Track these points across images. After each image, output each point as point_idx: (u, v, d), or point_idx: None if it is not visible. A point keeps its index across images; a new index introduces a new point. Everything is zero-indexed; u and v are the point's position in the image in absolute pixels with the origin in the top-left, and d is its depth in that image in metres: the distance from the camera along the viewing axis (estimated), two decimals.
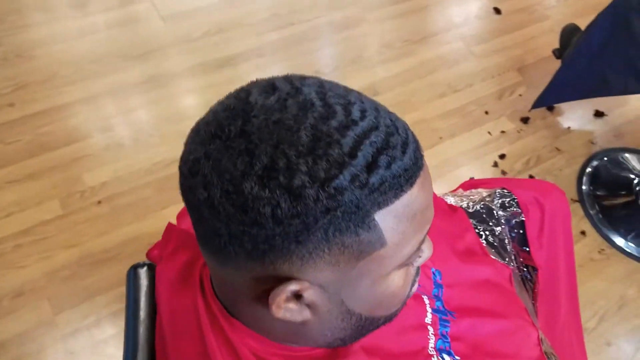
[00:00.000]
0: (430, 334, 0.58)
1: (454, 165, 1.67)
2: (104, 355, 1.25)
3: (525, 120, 1.79)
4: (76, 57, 1.84)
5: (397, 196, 0.38)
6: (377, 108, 0.40)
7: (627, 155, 1.73)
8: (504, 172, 1.65)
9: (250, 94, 0.39)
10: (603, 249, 1.50)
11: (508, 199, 0.88)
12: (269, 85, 0.40)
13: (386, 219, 0.38)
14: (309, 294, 0.41)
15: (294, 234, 0.36)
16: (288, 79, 0.40)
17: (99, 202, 1.51)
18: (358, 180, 0.36)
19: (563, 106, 1.82)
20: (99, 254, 1.41)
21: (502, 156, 1.69)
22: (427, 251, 0.48)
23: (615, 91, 1.44)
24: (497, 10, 2.17)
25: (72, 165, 1.58)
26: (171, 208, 1.49)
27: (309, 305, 0.42)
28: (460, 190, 0.95)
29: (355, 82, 1.87)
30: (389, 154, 0.37)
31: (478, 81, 1.92)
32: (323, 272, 0.39)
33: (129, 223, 1.47)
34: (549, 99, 1.66)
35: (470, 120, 1.79)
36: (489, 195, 0.88)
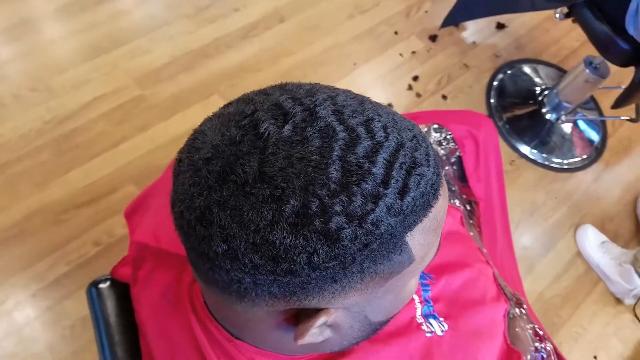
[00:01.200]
0: (416, 303, 0.58)
1: (372, 93, 1.65)
2: (29, 340, 1.15)
3: (433, 38, 1.79)
4: None
5: (425, 213, 0.36)
6: (395, 118, 0.37)
7: (527, 66, 1.81)
8: (418, 95, 1.66)
9: (258, 123, 0.33)
10: (513, 160, 1.61)
11: (443, 135, 0.88)
12: (276, 108, 0.34)
13: (415, 237, 0.36)
14: (332, 318, 0.38)
15: (330, 276, 0.34)
16: (294, 96, 0.35)
17: None
18: (393, 209, 0.33)
19: (466, 24, 1.84)
20: (2, 231, 1.25)
21: (415, 78, 1.70)
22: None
23: (523, 8, 1.47)
24: None
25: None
26: (75, 172, 1.34)
27: (331, 326, 0.40)
28: None
29: (257, 8, 1.74)
30: (418, 173, 0.35)
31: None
32: (351, 299, 0.37)
33: (30, 193, 1.31)
34: (458, 17, 1.66)
35: (382, 42, 1.76)
36: (426, 133, 0.88)
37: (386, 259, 0.35)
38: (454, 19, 1.66)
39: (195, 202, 0.33)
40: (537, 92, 1.74)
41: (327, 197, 0.32)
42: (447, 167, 0.84)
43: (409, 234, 0.35)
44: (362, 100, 0.37)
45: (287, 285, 0.34)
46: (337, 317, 0.38)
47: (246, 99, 0.36)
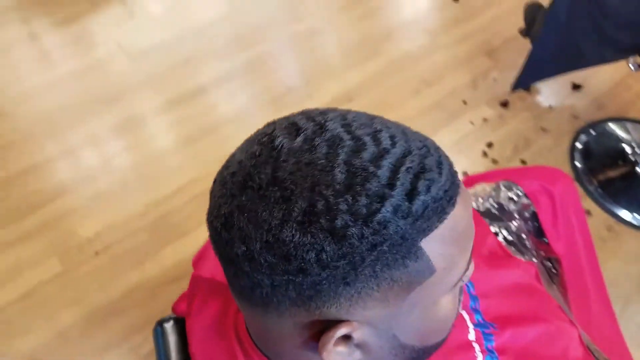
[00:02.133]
0: (477, 352, 0.56)
1: None
2: None
3: (504, 104, 1.80)
4: (49, 111, 1.82)
5: (440, 220, 0.36)
6: (405, 131, 0.39)
7: (612, 124, 1.73)
8: (494, 161, 1.66)
9: (275, 138, 0.37)
10: (611, 226, 1.49)
11: (515, 191, 0.86)
12: (291, 126, 0.38)
13: (432, 245, 0.36)
14: (359, 335, 0.39)
15: (342, 276, 0.35)
16: (309, 115, 0.39)
17: (97, 253, 1.49)
18: (400, 210, 0.35)
19: (539, 84, 1.84)
20: (104, 308, 1.39)
21: (489, 145, 1.70)
22: (471, 268, 0.45)
23: (593, 62, 1.44)
24: None
25: (64, 220, 1.56)
26: (167, 249, 1.48)
27: (359, 345, 0.40)
28: None
29: (328, 92, 1.87)
30: (427, 177, 0.36)
31: (449, 72, 1.93)
32: (373, 310, 0.37)
33: (129, 271, 1.46)
34: (528, 79, 1.66)
35: (451, 112, 1.80)
36: (494, 190, 0.86)
37: (401, 264, 0.36)
38: (524, 82, 1.66)
39: (221, 210, 0.37)
40: (629, 151, 1.65)
41: (332, 197, 0.34)
42: (518, 222, 0.82)
43: (424, 240, 0.36)
44: (373, 117, 0.39)
45: (302, 287, 0.35)
46: (363, 335, 0.39)
47: (270, 123, 0.41)
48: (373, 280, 0.36)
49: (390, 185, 0.35)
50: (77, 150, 1.73)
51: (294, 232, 0.34)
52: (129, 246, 1.51)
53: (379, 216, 0.34)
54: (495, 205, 0.83)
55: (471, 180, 0.94)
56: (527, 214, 0.84)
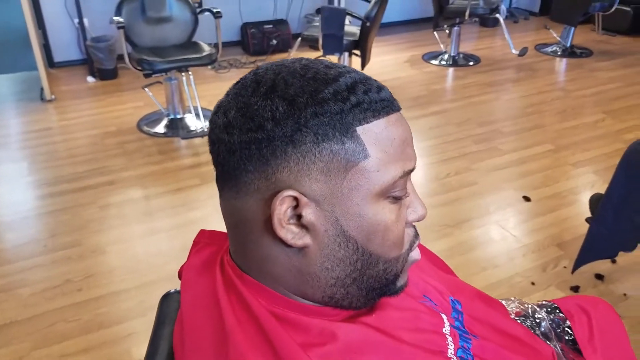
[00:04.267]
0: (449, 342, 0.55)
1: None
2: None
3: (575, 289, 1.74)
4: (137, 254, 2.04)
5: (375, 117, 0.46)
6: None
7: None
8: None
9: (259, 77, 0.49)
10: None
11: (547, 307, 0.86)
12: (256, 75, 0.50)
13: (367, 134, 0.45)
14: (308, 213, 0.45)
15: (290, 134, 0.44)
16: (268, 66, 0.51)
17: None
18: (340, 95, 0.45)
19: (612, 274, 1.78)
20: None
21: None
22: (420, 208, 0.52)
23: None
24: (527, 198, 2.31)
25: (122, 341, 1.62)
26: None
27: (308, 228, 0.46)
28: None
29: None
30: (366, 85, 0.47)
31: (519, 256, 1.94)
32: (317, 182, 0.44)
33: None
34: (586, 258, 1.65)
35: (517, 290, 1.76)
36: (530, 309, 0.87)
37: (339, 140, 0.44)
38: (582, 261, 1.65)
39: (219, 108, 0.49)
40: None
41: (290, 78, 0.46)
42: (549, 323, 0.80)
43: (359, 127, 0.45)
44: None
45: (261, 145, 0.44)
46: (311, 214, 0.45)
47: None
48: (315, 147, 0.44)
49: (335, 79, 0.46)
50: (150, 285, 1.87)
51: (258, 99, 0.45)
52: None
53: (322, 94, 0.44)
54: (529, 312, 0.83)
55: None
56: (561, 327, 0.81)
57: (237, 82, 0.49)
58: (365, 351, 0.48)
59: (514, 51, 4.16)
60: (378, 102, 0.47)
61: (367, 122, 0.45)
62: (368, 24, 3.10)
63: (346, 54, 3.38)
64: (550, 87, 3.69)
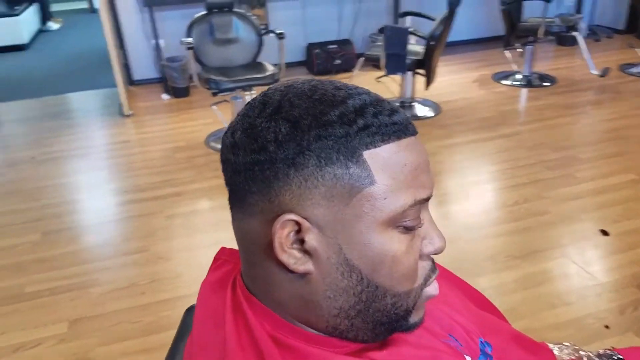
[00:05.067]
0: None
1: None
2: None
3: None
4: (202, 262, 2.06)
5: (384, 141, 0.43)
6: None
7: None
8: None
9: (267, 99, 0.48)
10: None
11: (611, 357, 0.77)
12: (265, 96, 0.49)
13: (374, 159, 0.43)
14: (310, 238, 0.43)
15: (292, 157, 0.42)
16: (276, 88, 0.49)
17: None
18: (346, 117, 0.43)
19: None
20: None
21: None
22: (437, 240, 0.48)
23: None
24: (605, 232, 2.12)
25: None
26: None
27: (311, 254, 0.44)
28: None
29: None
30: (376, 108, 0.44)
31: (593, 295, 1.77)
32: (320, 207, 0.42)
33: None
34: None
35: (588, 333, 1.60)
36: (585, 355, 0.78)
37: (343, 164, 0.42)
38: None
39: (229, 129, 0.48)
40: None
41: (296, 100, 0.44)
42: None
43: (366, 152, 0.42)
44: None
45: (263, 166, 0.43)
46: (313, 240, 0.43)
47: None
48: (318, 171, 0.42)
49: (343, 102, 0.44)
50: None
51: (263, 120, 0.44)
52: None
53: (327, 116, 0.42)
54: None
55: None
56: None
57: (248, 103, 0.48)
58: None
59: (594, 71, 3.90)
60: (389, 125, 0.44)
61: (375, 147, 0.43)
62: (432, 43, 3.03)
63: (409, 73, 3.32)
64: (636, 111, 3.41)
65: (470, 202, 2.45)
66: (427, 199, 0.46)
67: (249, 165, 0.44)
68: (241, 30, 3.13)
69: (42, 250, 2.22)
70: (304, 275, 0.45)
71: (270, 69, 3.02)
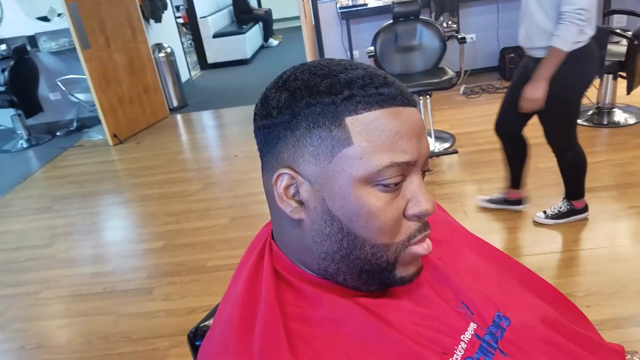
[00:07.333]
0: (460, 347, 0.53)
1: None
2: None
3: None
4: None
5: (366, 109, 0.49)
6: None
7: None
8: None
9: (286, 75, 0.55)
10: None
11: None
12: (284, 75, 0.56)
13: (354, 124, 0.49)
14: (303, 190, 0.51)
15: (287, 121, 0.50)
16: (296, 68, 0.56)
17: None
18: (334, 88, 0.49)
19: None
20: None
21: None
22: (423, 203, 0.52)
23: None
24: None
25: None
26: None
27: (304, 204, 0.52)
28: None
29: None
30: (365, 81, 0.50)
31: None
32: (309, 164, 0.50)
33: None
34: None
35: None
36: None
37: (327, 128, 0.49)
38: None
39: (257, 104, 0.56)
40: None
41: (299, 73, 0.52)
42: None
43: (348, 118, 0.49)
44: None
45: (269, 128, 0.52)
46: (305, 192, 0.51)
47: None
48: (307, 133, 0.50)
49: (336, 74, 0.50)
50: None
51: (272, 91, 0.52)
52: None
53: (317, 87, 0.50)
54: None
55: None
56: None
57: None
58: (346, 324, 0.51)
59: None
60: (374, 95, 0.49)
61: (357, 114, 0.49)
62: (637, 42, 2.70)
63: (609, 76, 2.99)
64: None
65: None
66: (409, 163, 0.50)
67: (262, 129, 0.53)
68: (425, 37, 3.23)
69: (228, 232, 2.60)
70: (300, 222, 0.53)
71: (449, 74, 3.06)
